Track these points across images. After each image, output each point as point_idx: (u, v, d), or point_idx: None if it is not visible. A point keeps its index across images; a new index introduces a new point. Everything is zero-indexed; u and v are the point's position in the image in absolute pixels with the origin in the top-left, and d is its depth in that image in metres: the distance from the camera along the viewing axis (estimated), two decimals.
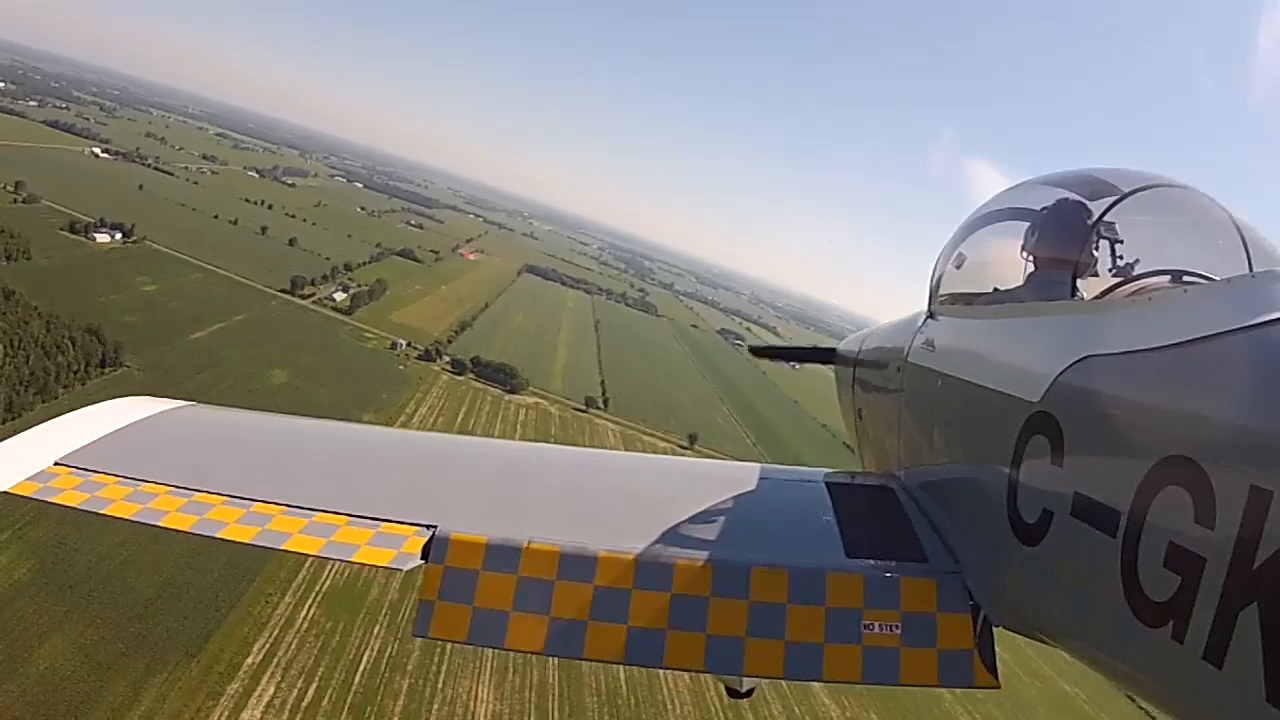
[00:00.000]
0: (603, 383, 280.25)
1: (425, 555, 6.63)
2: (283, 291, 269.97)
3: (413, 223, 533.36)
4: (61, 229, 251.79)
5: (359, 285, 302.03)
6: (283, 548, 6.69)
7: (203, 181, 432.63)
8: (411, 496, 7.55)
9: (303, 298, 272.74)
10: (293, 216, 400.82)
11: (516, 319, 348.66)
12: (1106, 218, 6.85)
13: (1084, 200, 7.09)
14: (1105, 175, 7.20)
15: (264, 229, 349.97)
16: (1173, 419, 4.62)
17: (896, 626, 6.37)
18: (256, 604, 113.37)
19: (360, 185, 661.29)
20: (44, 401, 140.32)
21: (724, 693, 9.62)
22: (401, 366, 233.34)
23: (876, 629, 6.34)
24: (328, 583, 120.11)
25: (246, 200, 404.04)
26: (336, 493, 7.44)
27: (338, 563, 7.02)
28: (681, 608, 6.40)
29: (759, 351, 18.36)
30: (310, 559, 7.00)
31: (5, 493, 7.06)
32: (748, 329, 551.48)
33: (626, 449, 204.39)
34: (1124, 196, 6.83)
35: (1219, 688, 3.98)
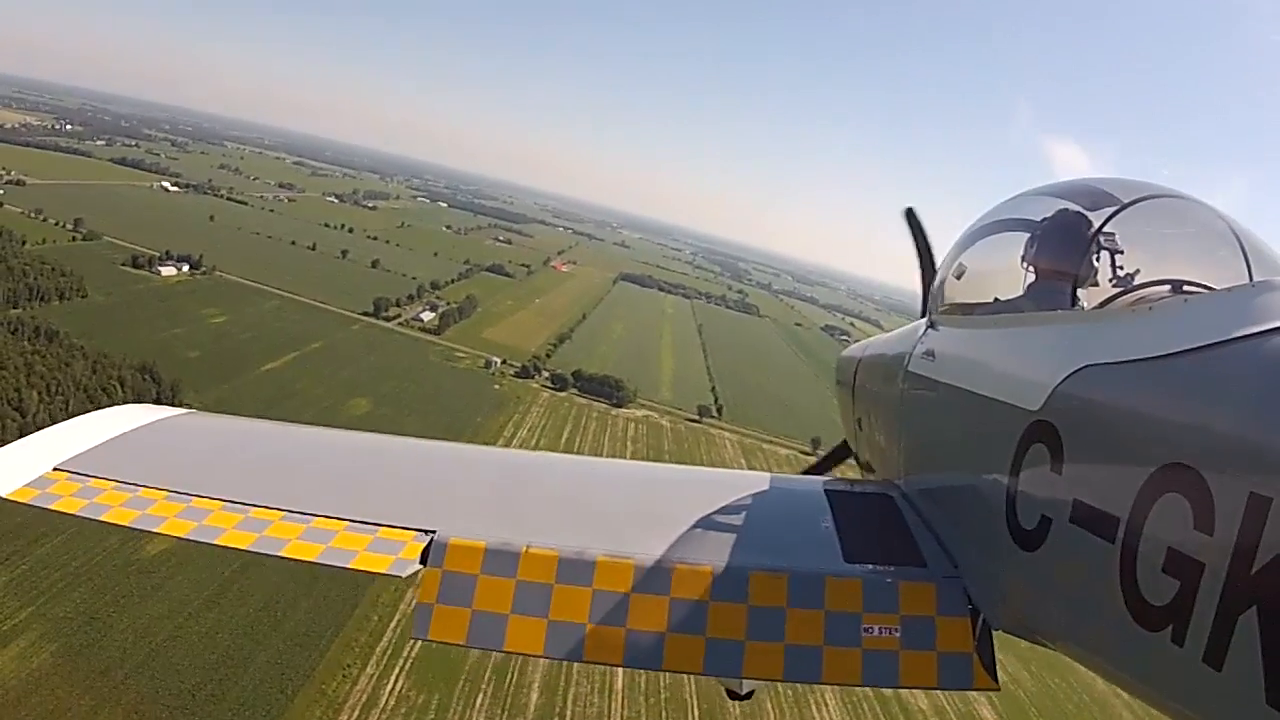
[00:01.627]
0: (713, 389, 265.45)
1: (424, 560, 6.75)
2: (365, 315, 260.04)
3: (501, 239, 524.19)
4: (123, 264, 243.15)
5: (448, 304, 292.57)
6: (281, 554, 6.73)
7: (279, 209, 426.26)
8: (410, 502, 7.69)
9: (387, 320, 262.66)
10: (374, 239, 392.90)
11: (616, 329, 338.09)
12: (1106, 228, 6.89)
13: (1084, 210, 7.15)
14: (1105, 185, 7.27)
15: (344, 253, 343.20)
16: (1172, 427, 4.74)
17: (896, 629, 6.52)
18: (331, 679, 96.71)
19: (444, 205, 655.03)
20: None
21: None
22: (497, 385, 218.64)
23: (876, 632, 6.50)
24: (417, 646, 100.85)
25: (325, 225, 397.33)
26: (335, 498, 7.49)
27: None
28: (681, 611, 6.53)
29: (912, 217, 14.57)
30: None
31: (4, 499, 7.19)
32: (851, 324, 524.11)
33: (746, 459, 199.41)
34: (1124, 207, 6.92)
35: (1219, 691, 4.08)
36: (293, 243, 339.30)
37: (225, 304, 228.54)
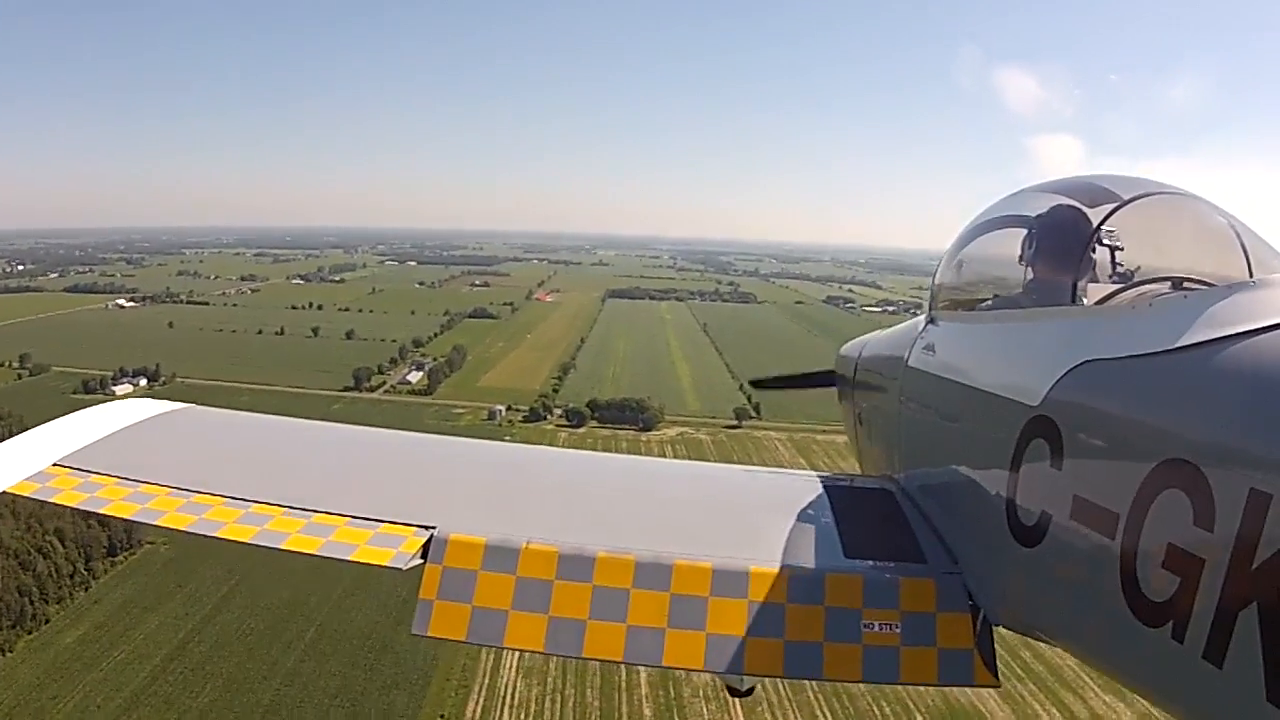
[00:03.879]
0: (741, 388, 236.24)
1: (424, 555, 6.72)
2: (346, 390, 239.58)
3: (478, 283, 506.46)
4: (73, 392, 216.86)
5: (434, 359, 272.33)
6: (282, 547, 6.78)
7: (242, 302, 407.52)
8: (410, 497, 7.65)
9: (371, 390, 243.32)
10: (346, 310, 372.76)
11: (619, 346, 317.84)
12: (1106, 224, 6.89)
13: (1084, 207, 7.12)
14: (1105, 182, 7.23)
15: (315, 330, 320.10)
16: (1172, 423, 4.72)
17: (896, 626, 6.45)
18: None
19: (414, 263, 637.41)
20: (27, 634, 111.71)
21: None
22: (508, 437, 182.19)
23: (876, 628, 6.43)
24: None
25: (292, 308, 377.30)
26: (335, 494, 7.51)
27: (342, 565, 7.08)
28: (681, 607, 6.47)
29: (760, 384, 19.90)
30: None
31: (4, 492, 7.29)
32: (849, 290, 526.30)
33: (804, 458, 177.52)
34: (1124, 203, 6.88)
35: (1218, 687, 4.05)
36: (259, 332, 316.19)
37: None
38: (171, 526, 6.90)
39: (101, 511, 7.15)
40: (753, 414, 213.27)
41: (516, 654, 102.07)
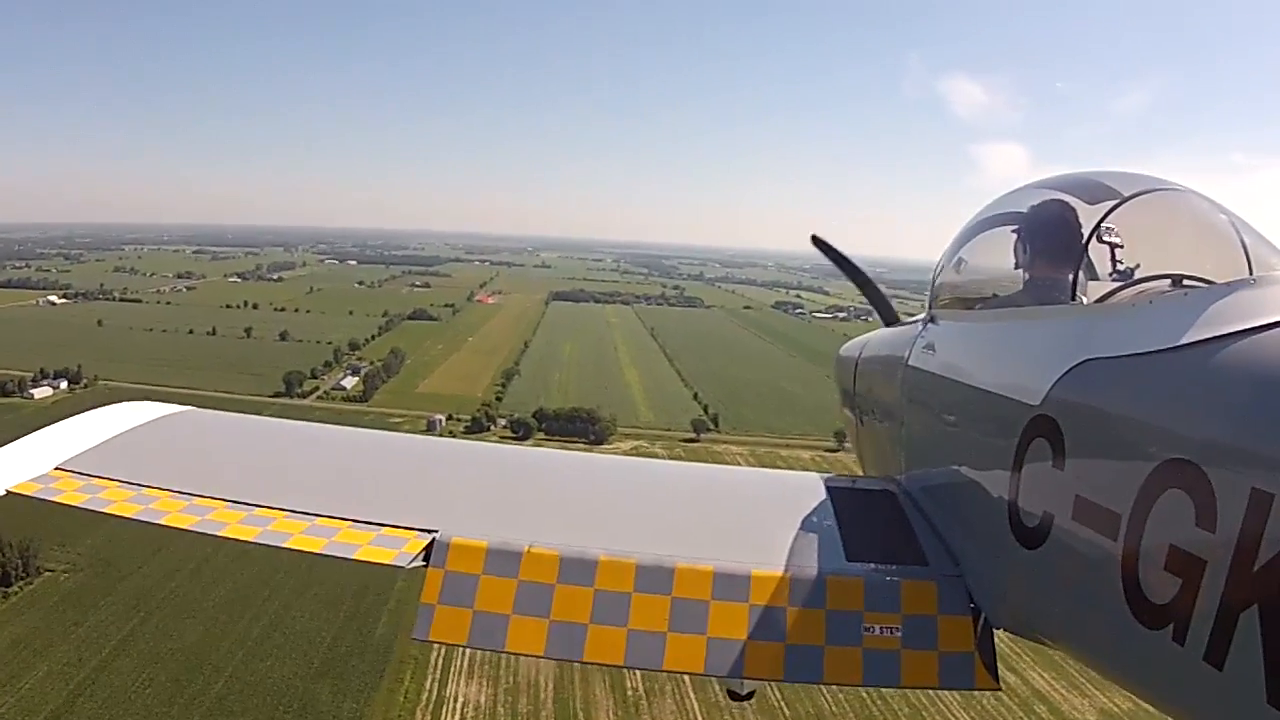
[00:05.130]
0: (696, 397, 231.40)
1: (426, 559, 6.71)
2: (276, 396, 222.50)
3: (418, 284, 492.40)
4: None
5: (370, 363, 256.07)
6: (285, 545, 6.80)
7: (176, 300, 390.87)
8: (412, 501, 7.68)
9: (302, 396, 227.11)
10: (281, 310, 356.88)
11: (564, 350, 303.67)
12: (1106, 222, 6.81)
13: (1084, 204, 7.06)
14: (1105, 179, 7.14)
15: (248, 331, 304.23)
16: (1173, 422, 4.68)
17: (897, 629, 6.43)
18: None
19: (354, 263, 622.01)
20: None
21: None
22: None
23: (877, 631, 6.41)
24: None
25: (227, 307, 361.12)
26: (337, 497, 7.49)
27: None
28: (682, 611, 6.45)
29: (818, 241, 16.51)
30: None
31: (8, 492, 7.23)
32: (797, 296, 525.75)
33: (761, 467, 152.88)
34: (1124, 200, 6.81)
35: (1220, 689, 4.02)
36: (190, 331, 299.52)
37: None
38: (175, 526, 6.89)
39: (105, 511, 7.05)
40: (711, 426, 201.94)
41: (459, 706, 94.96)
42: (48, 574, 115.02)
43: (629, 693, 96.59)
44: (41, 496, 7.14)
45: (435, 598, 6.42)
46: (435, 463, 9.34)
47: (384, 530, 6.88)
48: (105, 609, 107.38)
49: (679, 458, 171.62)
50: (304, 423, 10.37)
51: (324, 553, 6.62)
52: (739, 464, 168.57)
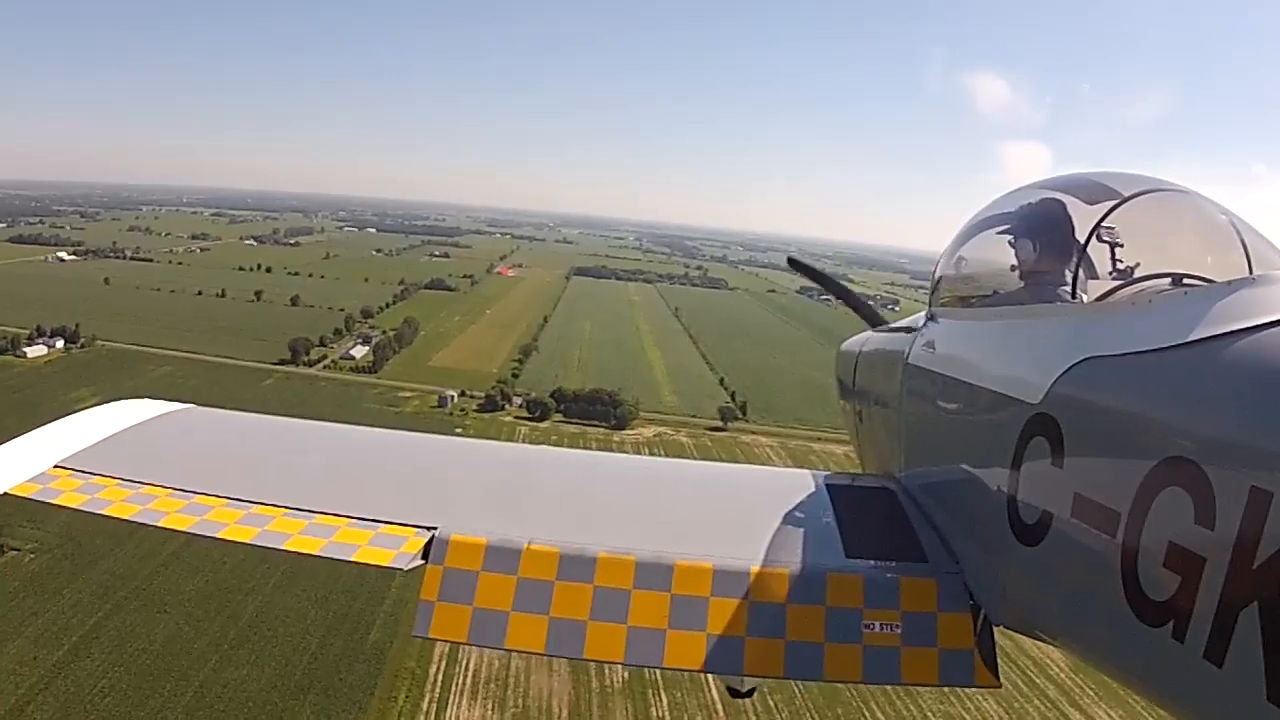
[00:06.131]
0: (723, 382, 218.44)
1: (425, 556, 6.73)
2: (282, 363, 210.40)
3: (437, 254, 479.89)
4: None
5: (383, 332, 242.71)
6: (283, 547, 6.79)
7: (189, 260, 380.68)
8: (412, 498, 7.65)
9: (309, 364, 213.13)
10: (295, 274, 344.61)
11: (584, 328, 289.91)
12: (1107, 221, 6.86)
13: (1084, 204, 7.12)
14: (1105, 179, 7.19)
15: (258, 294, 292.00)
16: (1173, 420, 4.71)
17: (897, 626, 6.47)
18: None
19: (373, 230, 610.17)
20: None
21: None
22: (460, 429, 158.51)
23: (877, 628, 6.44)
24: None
25: (240, 269, 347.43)
26: (337, 495, 7.50)
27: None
28: (681, 608, 6.47)
29: (796, 264, 18.59)
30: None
31: (6, 494, 7.24)
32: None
33: (797, 465, 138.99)
34: (1124, 200, 6.85)
35: (1219, 687, 4.04)
36: (199, 293, 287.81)
37: (102, 381, 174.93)
38: (173, 527, 6.90)
39: (103, 513, 7.03)
40: (739, 415, 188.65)
41: None
42: (12, 553, 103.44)
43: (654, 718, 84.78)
44: (40, 497, 7.09)
45: (435, 595, 6.46)
46: (434, 460, 9.30)
47: (383, 528, 6.87)
48: (70, 596, 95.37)
49: (705, 447, 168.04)
50: (304, 420, 10.00)
51: (322, 554, 6.63)
52: (769, 458, 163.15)
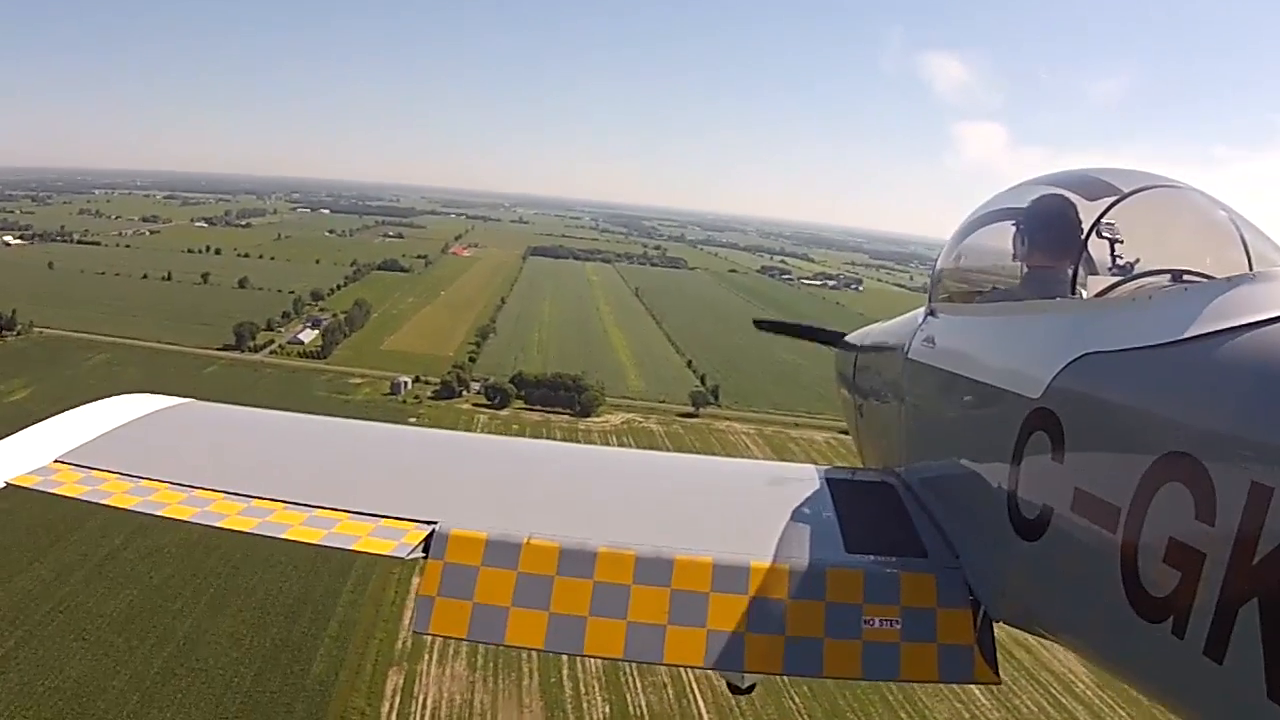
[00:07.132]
0: (690, 365, 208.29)
1: (425, 551, 6.74)
2: (225, 349, 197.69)
3: (390, 234, 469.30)
4: None
5: (333, 315, 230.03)
6: (284, 537, 6.83)
7: (137, 244, 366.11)
8: (412, 493, 7.67)
9: (254, 350, 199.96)
10: (245, 256, 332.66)
11: (544, 310, 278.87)
12: (1107, 217, 6.91)
13: (1085, 200, 7.17)
14: (1105, 175, 7.27)
15: (205, 277, 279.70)
16: (1173, 416, 4.70)
17: (897, 622, 6.47)
18: None
19: (326, 211, 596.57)
20: None
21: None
22: (414, 419, 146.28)
23: (877, 624, 6.44)
24: None
25: (188, 252, 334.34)
26: (337, 489, 7.54)
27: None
28: (681, 603, 6.48)
29: (762, 325, 19.30)
30: None
31: (8, 484, 7.25)
32: (782, 261, 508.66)
33: (779, 457, 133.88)
34: (1124, 196, 6.90)
35: (1219, 683, 4.03)
36: (144, 276, 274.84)
37: (35, 370, 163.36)
38: (174, 517, 6.92)
39: (105, 503, 7.06)
40: (711, 399, 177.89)
41: None
42: None
43: None
44: (41, 489, 7.14)
45: (435, 590, 6.45)
46: (435, 454, 9.34)
47: (383, 522, 6.88)
48: None
49: (677, 435, 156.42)
50: (306, 415, 10.21)
51: (323, 544, 6.65)
52: (744, 444, 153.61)
